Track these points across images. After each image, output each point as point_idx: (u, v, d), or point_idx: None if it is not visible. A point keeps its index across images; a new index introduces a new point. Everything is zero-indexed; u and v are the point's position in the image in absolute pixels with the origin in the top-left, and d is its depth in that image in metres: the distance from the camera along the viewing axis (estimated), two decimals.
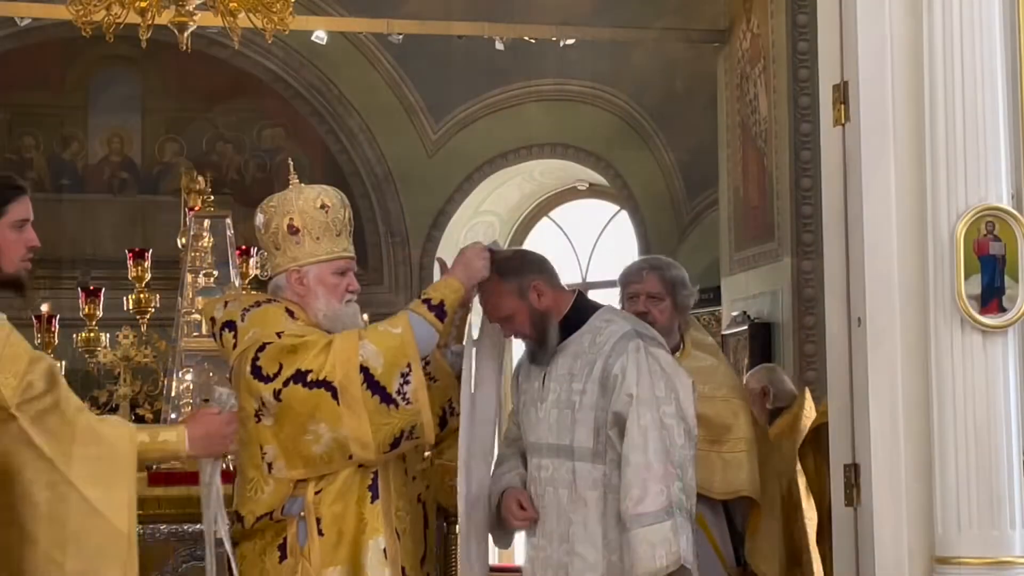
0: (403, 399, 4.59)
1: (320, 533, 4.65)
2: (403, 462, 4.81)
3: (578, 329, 4.93)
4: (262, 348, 4.65)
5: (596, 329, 4.91)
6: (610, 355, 4.83)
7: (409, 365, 4.61)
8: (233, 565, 4.57)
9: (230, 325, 4.76)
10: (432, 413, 4.68)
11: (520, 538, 5.10)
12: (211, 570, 4.49)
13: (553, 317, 4.93)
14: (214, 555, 4.48)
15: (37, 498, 3.95)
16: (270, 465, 4.61)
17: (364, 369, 4.58)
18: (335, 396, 4.57)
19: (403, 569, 4.71)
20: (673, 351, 5.63)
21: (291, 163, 5.13)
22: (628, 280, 5.68)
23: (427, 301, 4.77)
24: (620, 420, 4.76)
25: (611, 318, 4.97)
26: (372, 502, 4.67)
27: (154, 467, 7.26)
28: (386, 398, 4.59)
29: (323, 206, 4.80)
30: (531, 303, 4.91)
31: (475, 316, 5.12)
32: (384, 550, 4.65)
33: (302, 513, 4.66)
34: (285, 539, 4.68)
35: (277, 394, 4.58)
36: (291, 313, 4.77)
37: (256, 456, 4.63)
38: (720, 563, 5.58)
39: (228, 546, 4.49)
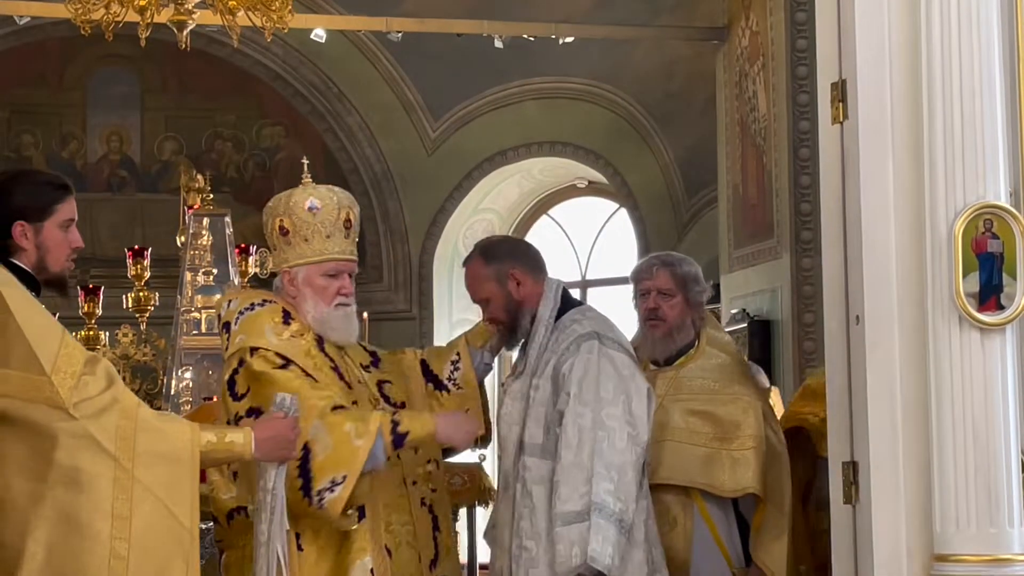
0: (319, 501, 4.48)
1: (299, 548, 4.60)
2: (401, 470, 4.74)
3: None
4: (242, 363, 4.65)
5: (562, 327, 4.97)
6: (563, 353, 4.89)
7: (345, 477, 4.47)
8: (285, 572, 4.49)
9: (227, 326, 4.77)
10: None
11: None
12: None
13: (527, 308, 4.98)
14: (275, 563, 4.43)
15: (101, 494, 3.96)
16: (235, 473, 4.62)
17: (307, 447, 4.49)
18: None
19: None
20: (687, 348, 5.64)
21: (305, 163, 5.08)
22: (639, 277, 5.67)
23: (395, 424, 4.57)
24: (561, 417, 4.81)
25: (579, 318, 5.01)
26: (359, 520, 4.60)
27: None
28: (307, 490, 4.49)
29: (311, 208, 4.76)
30: (509, 291, 4.98)
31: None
32: (371, 570, 4.59)
33: None
34: (222, 556, 4.75)
35: (238, 418, 4.59)
36: (287, 315, 4.76)
37: None
38: (725, 561, 5.57)
39: (282, 554, 4.43)
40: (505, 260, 5.03)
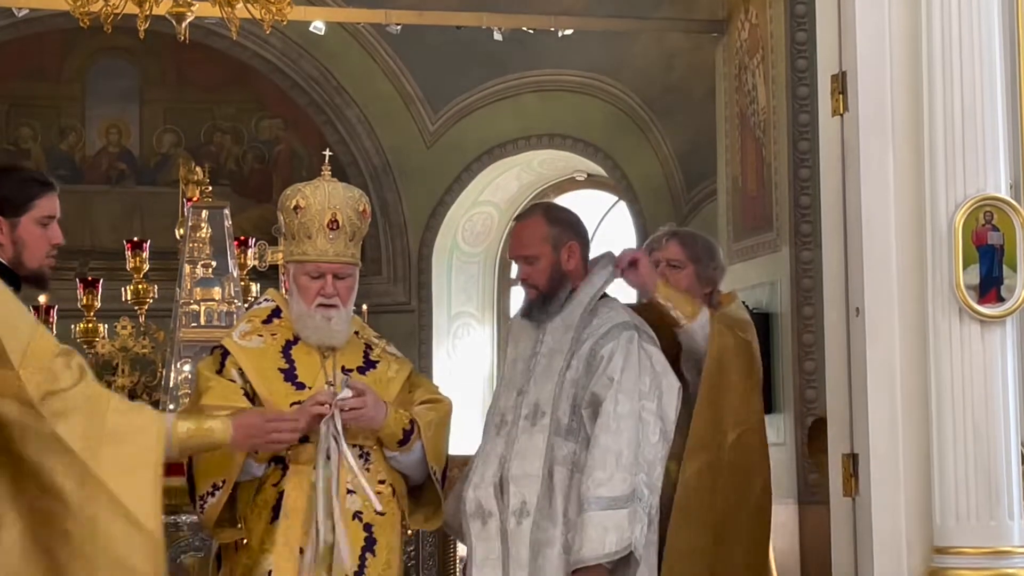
0: (200, 507, 4.62)
1: (235, 548, 4.69)
2: (329, 475, 4.65)
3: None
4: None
5: (596, 312, 4.93)
6: (601, 338, 4.85)
7: (224, 482, 4.57)
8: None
9: None
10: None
11: None
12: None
13: (569, 282, 4.95)
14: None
15: (68, 496, 3.96)
16: None
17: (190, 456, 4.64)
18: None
19: None
20: None
21: (326, 155, 5.09)
22: (651, 247, 5.63)
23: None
24: (595, 401, 4.77)
25: (615, 307, 4.99)
26: (271, 522, 4.63)
27: None
28: (192, 496, 4.67)
29: (296, 207, 4.78)
30: (560, 258, 4.93)
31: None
32: (270, 572, 4.59)
33: None
34: (220, 549, 4.77)
35: None
36: (276, 313, 4.85)
37: None
38: None
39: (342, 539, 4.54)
40: (567, 228, 5.01)
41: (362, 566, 4.68)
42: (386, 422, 4.68)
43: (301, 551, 4.60)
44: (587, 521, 4.66)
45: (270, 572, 4.59)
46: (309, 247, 4.75)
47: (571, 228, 5.04)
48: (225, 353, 4.77)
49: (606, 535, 4.64)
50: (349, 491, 4.68)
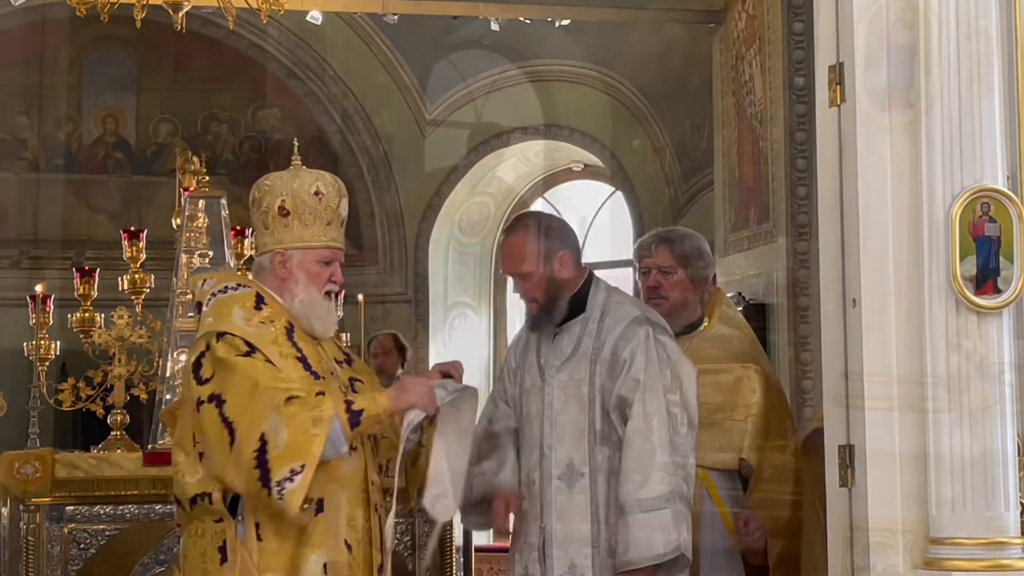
0: (279, 493, 4.39)
1: (259, 538, 4.54)
2: (364, 466, 4.66)
3: (584, 308, 4.95)
4: (209, 347, 4.59)
5: (607, 310, 4.93)
6: (620, 339, 4.85)
7: (303, 466, 4.39)
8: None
9: (199, 306, 4.78)
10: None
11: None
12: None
13: (567, 291, 4.95)
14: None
15: None
16: (200, 455, 4.59)
17: (263, 439, 4.41)
18: (231, 443, 4.44)
19: None
20: (695, 326, 5.62)
21: (295, 145, 5.05)
22: (640, 254, 5.65)
23: (349, 404, 4.51)
24: (623, 404, 4.78)
25: (621, 300, 5.00)
26: (316, 515, 4.55)
27: (149, 447, 7.28)
28: (265, 481, 4.41)
29: (317, 192, 4.71)
30: (553, 270, 4.92)
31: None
32: (325, 565, 4.53)
33: (240, 516, 4.54)
34: (225, 542, 4.57)
35: (200, 403, 4.53)
36: (260, 299, 4.69)
37: (188, 442, 4.60)
38: (730, 535, 5.55)
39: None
40: (556, 240, 5.00)
41: (381, 555, 4.71)
42: None
43: (346, 543, 4.59)
44: (631, 524, 4.69)
45: (325, 566, 4.53)
46: (323, 233, 4.72)
47: (559, 238, 5.02)
48: (252, 348, 4.57)
49: (652, 536, 4.67)
50: (372, 482, 4.71)
